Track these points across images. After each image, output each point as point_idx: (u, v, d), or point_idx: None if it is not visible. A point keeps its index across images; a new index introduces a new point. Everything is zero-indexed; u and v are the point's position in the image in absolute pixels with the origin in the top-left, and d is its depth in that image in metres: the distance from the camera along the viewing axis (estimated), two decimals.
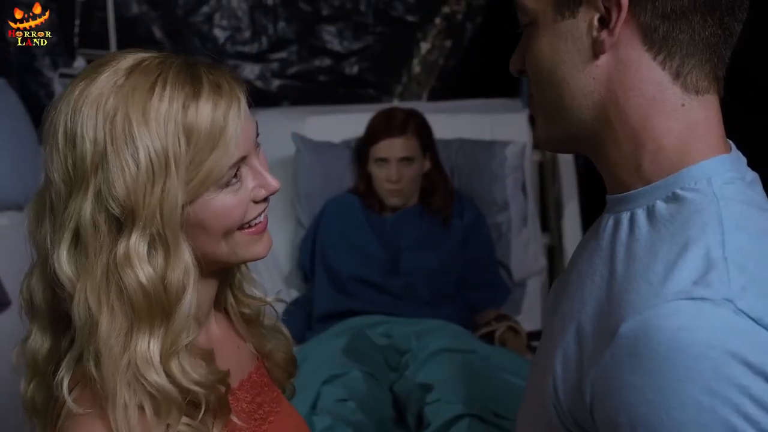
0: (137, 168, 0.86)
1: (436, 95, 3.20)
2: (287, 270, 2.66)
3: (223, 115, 0.89)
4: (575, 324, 0.87)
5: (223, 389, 0.93)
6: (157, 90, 0.88)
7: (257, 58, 3.15)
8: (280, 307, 2.53)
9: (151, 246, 0.88)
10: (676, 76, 0.85)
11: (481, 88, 2.97)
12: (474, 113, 2.88)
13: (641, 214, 0.86)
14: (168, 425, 0.89)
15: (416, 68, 3.24)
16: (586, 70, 0.87)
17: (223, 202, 0.91)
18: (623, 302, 0.80)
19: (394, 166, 2.43)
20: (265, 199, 0.97)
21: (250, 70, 3.14)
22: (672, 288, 0.77)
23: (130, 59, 0.91)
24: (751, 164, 0.91)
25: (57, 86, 2.76)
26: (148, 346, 0.88)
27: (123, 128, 0.86)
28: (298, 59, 3.18)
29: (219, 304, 1.06)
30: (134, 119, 0.86)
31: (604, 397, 0.81)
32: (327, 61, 3.19)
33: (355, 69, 3.20)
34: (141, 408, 0.87)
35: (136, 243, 0.87)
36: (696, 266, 0.78)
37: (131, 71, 0.89)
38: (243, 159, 0.92)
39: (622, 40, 0.85)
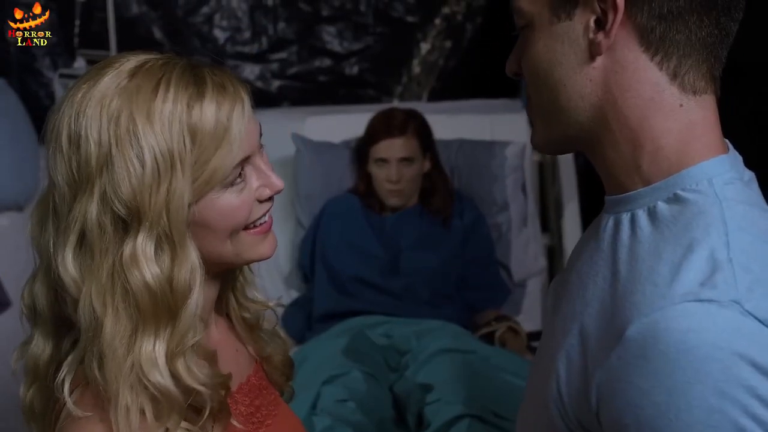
0: (143, 168, 0.86)
1: (436, 96, 3.20)
2: (287, 270, 2.66)
3: (227, 115, 0.89)
4: (578, 325, 0.87)
5: (223, 392, 0.93)
6: (161, 91, 0.88)
7: (257, 58, 3.15)
8: (280, 310, 2.54)
9: (158, 246, 0.88)
10: (674, 76, 0.85)
11: (481, 89, 2.97)
12: (474, 114, 2.88)
13: (642, 215, 0.86)
14: (167, 429, 0.88)
15: (416, 69, 3.24)
16: (583, 72, 0.87)
17: (228, 202, 0.92)
18: (628, 304, 0.80)
19: (394, 167, 2.43)
20: (270, 199, 0.97)
21: (250, 71, 3.14)
22: (678, 290, 0.77)
23: (133, 61, 0.91)
24: (750, 164, 0.91)
25: (57, 87, 2.76)
26: (154, 347, 0.88)
27: (127, 129, 0.86)
28: (298, 60, 3.18)
29: (219, 308, 1.06)
30: (139, 120, 0.86)
31: (610, 399, 0.81)
32: (327, 62, 3.19)
33: (355, 69, 3.20)
34: (142, 411, 0.87)
35: (143, 243, 0.87)
36: (701, 268, 0.78)
37: (134, 73, 0.89)
38: (247, 159, 0.93)
39: (618, 41, 0.85)
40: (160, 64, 0.90)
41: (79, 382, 0.90)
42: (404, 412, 1.95)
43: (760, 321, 0.76)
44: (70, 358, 0.91)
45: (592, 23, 0.85)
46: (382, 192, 2.48)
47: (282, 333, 1.15)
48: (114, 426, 0.86)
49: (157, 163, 0.86)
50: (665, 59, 0.85)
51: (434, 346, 2.03)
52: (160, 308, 0.88)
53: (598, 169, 0.93)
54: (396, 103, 3.03)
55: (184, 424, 0.89)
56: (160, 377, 0.87)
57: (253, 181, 0.94)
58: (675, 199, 0.85)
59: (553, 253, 2.79)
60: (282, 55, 3.17)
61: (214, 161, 0.89)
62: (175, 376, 0.89)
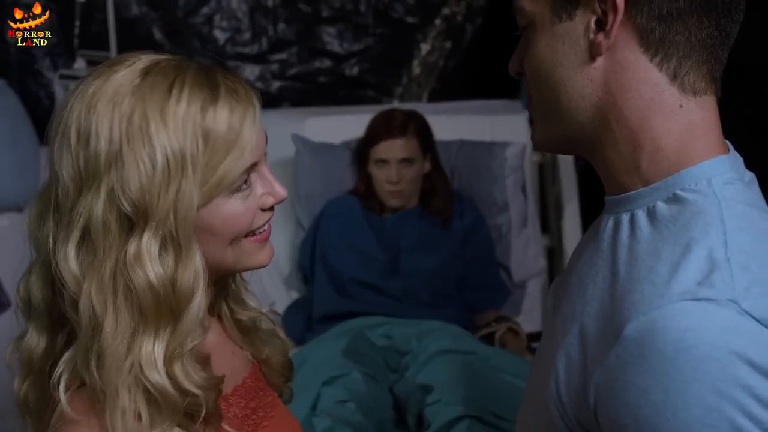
0: (153, 168, 0.85)
1: (436, 96, 3.20)
2: (287, 271, 2.66)
3: (239, 120, 0.89)
4: (578, 325, 0.87)
5: (215, 395, 0.93)
6: (175, 91, 0.87)
7: (257, 59, 3.15)
8: (281, 307, 2.54)
9: (162, 247, 0.87)
10: (674, 77, 0.85)
11: (481, 89, 2.97)
12: (474, 114, 2.88)
13: (641, 215, 0.87)
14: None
15: (416, 69, 3.24)
16: (583, 72, 0.87)
17: (234, 208, 0.92)
18: (627, 303, 0.81)
19: (394, 167, 2.43)
20: (271, 208, 0.97)
21: (250, 72, 3.14)
22: (676, 289, 0.78)
23: (145, 60, 0.90)
24: (751, 165, 0.91)
25: (57, 87, 2.76)
26: (153, 348, 0.87)
27: (140, 127, 0.86)
28: (298, 60, 3.18)
29: (212, 310, 1.05)
30: (152, 119, 0.86)
31: (608, 398, 0.81)
32: (327, 63, 3.19)
33: (355, 70, 3.20)
34: (138, 415, 0.87)
35: (148, 243, 0.86)
36: (699, 267, 0.79)
37: (148, 71, 0.89)
38: (254, 165, 0.93)
39: (618, 42, 0.85)
40: (173, 65, 0.90)
41: (72, 383, 0.90)
42: (404, 412, 1.95)
43: (757, 320, 0.76)
44: (66, 355, 0.90)
45: (592, 24, 0.85)
46: (382, 193, 2.48)
47: (281, 333, 1.14)
48: (110, 427, 0.86)
49: (169, 163, 0.86)
50: (665, 60, 0.85)
51: (434, 347, 2.03)
52: (162, 309, 0.88)
53: (598, 170, 0.93)
54: (396, 104, 3.03)
55: (177, 430, 0.89)
56: (159, 377, 0.87)
57: (258, 188, 0.94)
58: (674, 199, 0.85)
59: (553, 253, 2.79)
60: (282, 55, 3.17)
61: (224, 165, 0.88)
62: (171, 378, 0.88)
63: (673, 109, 0.86)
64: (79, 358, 0.88)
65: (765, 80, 2.20)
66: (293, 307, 2.52)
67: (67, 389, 0.89)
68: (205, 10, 3.09)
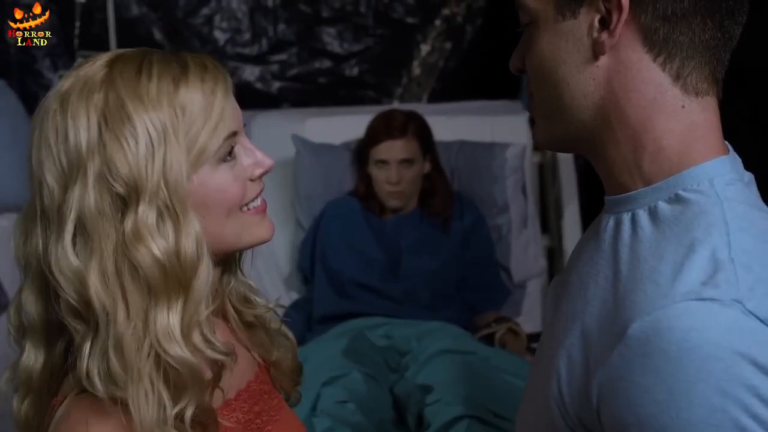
0: (137, 143, 0.86)
1: (436, 97, 3.20)
2: (287, 272, 2.66)
3: (211, 90, 0.91)
4: (579, 325, 0.87)
5: (208, 400, 0.92)
6: (144, 71, 0.89)
7: (257, 59, 3.15)
8: (281, 310, 2.54)
9: (159, 219, 0.87)
10: (677, 77, 0.85)
11: (481, 90, 2.97)
12: (474, 115, 2.88)
13: (643, 215, 0.87)
14: (181, 416, 0.87)
15: (416, 70, 3.24)
16: (586, 71, 0.87)
17: (223, 178, 0.92)
18: (630, 303, 0.81)
19: (394, 168, 2.43)
20: (261, 181, 0.97)
21: (250, 72, 3.14)
22: (680, 289, 0.78)
23: (108, 54, 0.92)
24: (751, 166, 0.91)
25: None
26: (168, 321, 0.87)
27: (116, 109, 0.86)
28: (298, 61, 3.18)
29: (218, 312, 1.05)
30: (127, 99, 0.87)
31: (611, 398, 0.81)
32: (327, 63, 3.19)
33: (355, 71, 3.20)
34: (160, 397, 0.87)
35: (144, 216, 0.86)
36: (703, 267, 0.78)
37: (113, 61, 0.90)
38: (234, 135, 0.93)
39: (622, 41, 0.85)
40: (137, 53, 0.92)
41: (71, 390, 0.89)
42: (404, 413, 1.95)
43: (761, 320, 0.76)
44: (87, 349, 0.88)
45: (596, 22, 0.85)
46: (382, 193, 2.48)
47: (289, 334, 1.13)
48: (135, 414, 0.85)
49: (150, 136, 0.87)
50: (668, 60, 0.85)
51: (434, 347, 2.03)
52: (171, 281, 0.87)
53: (598, 169, 0.93)
54: (396, 105, 3.03)
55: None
56: (180, 350, 0.87)
57: (244, 159, 0.95)
58: (676, 199, 0.85)
59: (553, 254, 2.79)
60: (282, 56, 3.17)
61: (203, 135, 0.90)
62: (193, 349, 0.88)
63: (675, 110, 0.86)
64: (96, 354, 0.87)
65: (765, 82, 2.21)
66: (293, 308, 2.51)
67: (60, 402, 0.89)
68: (205, 10, 3.10)
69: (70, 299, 0.87)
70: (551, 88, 0.89)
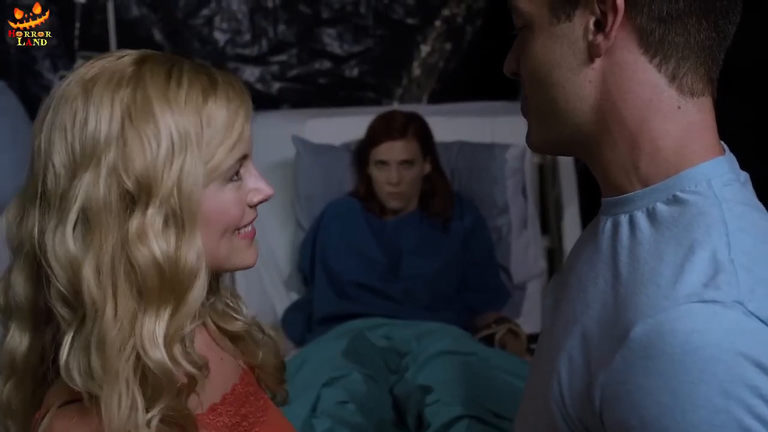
0: (158, 145, 0.86)
1: (436, 98, 3.20)
2: (287, 272, 2.66)
3: (235, 109, 0.91)
4: (579, 327, 0.87)
5: (187, 409, 0.91)
6: (174, 76, 0.89)
7: (257, 60, 3.15)
8: (281, 308, 2.54)
9: (165, 224, 0.87)
10: (672, 78, 0.85)
11: (481, 91, 2.97)
12: (474, 116, 2.88)
13: (641, 217, 0.87)
14: (149, 423, 0.87)
15: (416, 71, 3.24)
16: (581, 74, 0.87)
17: (228, 197, 0.92)
18: (632, 305, 0.80)
19: (395, 169, 2.43)
20: (256, 209, 0.97)
21: (251, 73, 3.14)
22: (682, 291, 0.78)
23: (135, 52, 0.92)
24: (744, 165, 0.91)
25: None
26: (155, 328, 0.87)
27: (143, 108, 0.86)
28: (298, 62, 3.18)
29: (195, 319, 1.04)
30: (155, 99, 0.87)
31: (614, 401, 0.81)
32: (327, 64, 3.19)
33: (355, 72, 3.20)
34: (132, 401, 0.86)
35: (152, 218, 0.86)
36: (704, 269, 0.78)
37: (143, 60, 0.90)
38: (245, 158, 0.94)
39: (618, 43, 0.85)
40: (166, 56, 0.92)
41: (55, 401, 0.88)
42: (404, 413, 1.95)
43: (763, 321, 0.76)
44: (70, 342, 0.87)
45: (591, 25, 0.85)
46: (382, 194, 2.48)
47: (270, 331, 1.12)
48: (105, 416, 0.84)
49: (173, 140, 0.86)
50: (664, 61, 0.85)
51: (434, 348, 2.03)
52: (165, 288, 0.87)
53: (595, 171, 0.93)
54: (396, 106, 3.03)
55: None
56: (161, 355, 0.87)
57: (248, 182, 0.95)
58: (674, 201, 0.85)
59: (553, 255, 2.79)
60: (282, 57, 3.17)
61: (221, 151, 0.90)
62: (172, 360, 0.88)
63: (671, 111, 0.86)
64: (78, 346, 0.86)
65: (760, 81, 2.21)
66: (293, 309, 2.52)
67: (46, 412, 0.88)
68: (206, 11, 3.10)
69: (60, 287, 0.86)
70: (546, 91, 0.89)
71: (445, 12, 3.20)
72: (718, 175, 0.85)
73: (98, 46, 2.89)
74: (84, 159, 0.86)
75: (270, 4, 3.12)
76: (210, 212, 0.91)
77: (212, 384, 0.96)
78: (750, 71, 2.02)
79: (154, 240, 0.86)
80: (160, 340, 0.87)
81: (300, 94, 3.18)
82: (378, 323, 2.24)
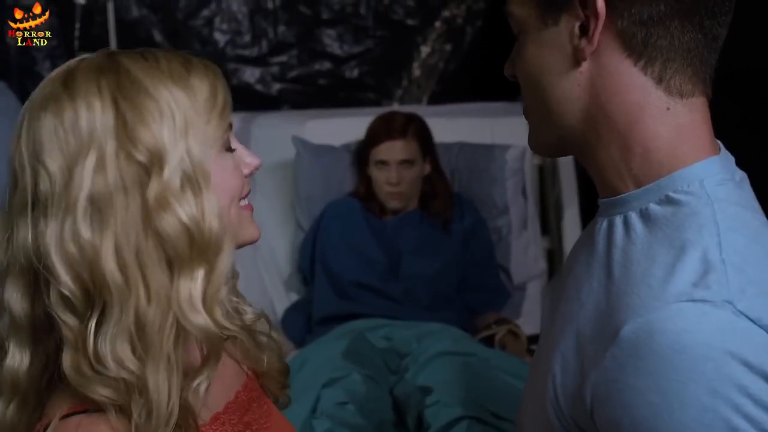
0: (160, 114, 0.86)
1: (436, 99, 3.20)
2: (287, 273, 2.66)
3: (213, 80, 0.92)
4: (574, 327, 0.88)
5: (193, 413, 0.90)
6: (150, 57, 0.89)
7: (257, 61, 3.15)
8: (281, 309, 2.54)
9: (181, 188, 0.86)
10: (659, 80, 0.86)
11: (482, 92, 2.97)
12: (474, 117, 2.88)
13: (635, 217, 0.87)
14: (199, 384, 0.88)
15: (416, 72, 3.24)
16: (570, 77, 0.88)
17: (227, 165, 0.92)
18: (623, 305, 0.81)
19: (394, 169, 2.43)
20: (249, 181, 0.97)
21: (251, 74, 3.14)
22: (672, 290, 0.78)
23: (99, 50, 0.92)
24: (743, 164, 0.91)
25: None
26: (190, 291, 0.86)
27: (132, 86, 0.86)
28: (298, 63, 3.18)
29: None
30: (141, 76, 0.86)
31: (605, 400, 0.81)
32: (327, 65, 3.19)
33: (355, 72, 3.20)
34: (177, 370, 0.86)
35: (170, 179, 0.85)
36: (694, 268, 0.79)
37: (111, 53, 0.90)
38: (230, 127, 0.94)
39: (602, 47, 0.85)
40: (133, 50, 0.92)
41: (56, 413, 0.86)
42: (404, 414, 1.95)
43: (752, 321, 0.76)
44: (102, 332, 0.85)
45: (576, 29, 0.86)
46: (382, 194, 2.48)
47: (275, 335, 1.11)
48: (152, 393, 0.84)
49: (172, 109, 0.86)
50: (649, 64, 0.85)
51: (434, 348, 2.03)
52: (195, 253, 0.86)
53: (591, 173, 0.93)
54: (396, 107, 3.03)
55: None
56: (203, 320, 0.86)
57: (239, 152, 0.96)
58: (667, 201, 0.86)
59: (553, 256, 2.79)
60: (282, 58, 3.17)
61: (214, 117, 0.90)
62: (216, 324, 0.88)
63: (660, 112, 0.86)
64: (108, 337, 0.84)
65: (758, 81, 2.21)
66: (293, 309, 2.52)
67: (50, 420, 0.86)
68: (206, 12, 3.10)
69: (64, 289, 0.84)
70: (539, 94, 0.91)
71: (445, 13, 3.20)
72: (711, 175, 0.86)
73: (98, 46, 2.84)
74: (81, 149, 0.84)
75: (270, 5, 3.12)
76: (217, 180, 0.90)
77: (214, 392, 0.94)
78: (750, 71, 2.02)
79: (178, 205, 0.85)
80: (199, 305, 0.86)
81: (300, 94, 3.18)
82: (378, 324, 2.24)
